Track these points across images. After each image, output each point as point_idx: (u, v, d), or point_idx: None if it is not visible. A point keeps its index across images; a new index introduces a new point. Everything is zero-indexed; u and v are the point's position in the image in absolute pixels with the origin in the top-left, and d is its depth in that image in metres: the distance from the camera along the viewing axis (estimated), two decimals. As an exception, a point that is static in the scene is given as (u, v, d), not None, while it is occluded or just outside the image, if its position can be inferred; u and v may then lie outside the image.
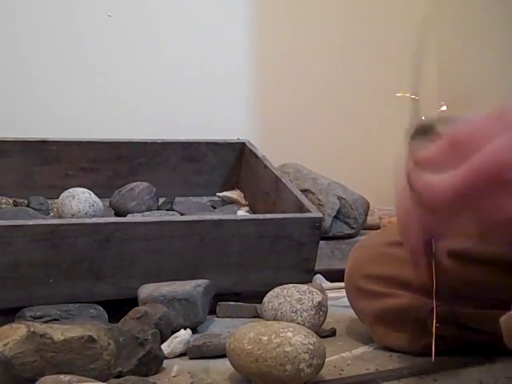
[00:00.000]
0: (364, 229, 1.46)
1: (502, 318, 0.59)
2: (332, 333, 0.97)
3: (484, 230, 0.49)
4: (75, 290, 1.00)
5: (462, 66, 1.90)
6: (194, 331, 0.96)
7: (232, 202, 1.47)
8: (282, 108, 1.84)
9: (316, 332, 0.79)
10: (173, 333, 0.91)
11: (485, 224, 0.48)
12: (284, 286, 0.96)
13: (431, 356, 0.83)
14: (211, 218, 1.11)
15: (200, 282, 1.01)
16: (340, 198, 1.41)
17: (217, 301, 1.07)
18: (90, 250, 1.00)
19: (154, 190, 1.36)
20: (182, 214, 1.29)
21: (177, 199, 1.40)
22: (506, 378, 0.76)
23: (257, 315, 1.06)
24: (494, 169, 0.46)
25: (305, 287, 0.95)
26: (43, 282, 0.98)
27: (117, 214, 1.32)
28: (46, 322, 0.91)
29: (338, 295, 1.16)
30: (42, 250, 0.97)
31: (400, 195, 0.64)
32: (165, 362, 0.83)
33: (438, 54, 1.99)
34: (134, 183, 1.36)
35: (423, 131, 0.54)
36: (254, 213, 1.40)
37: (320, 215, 1.14)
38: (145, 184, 1.36)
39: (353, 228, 1.41)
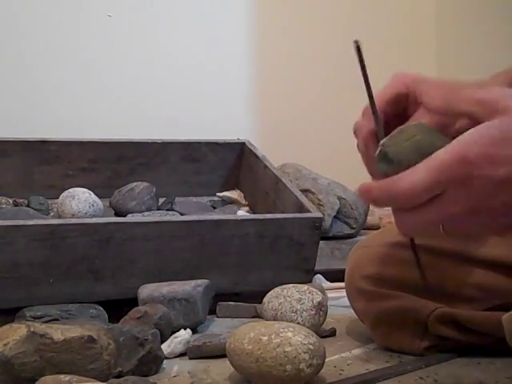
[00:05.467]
0: (364, 229, 1.46)
1: (505, 317, 0.59)
2: (332, 333, 0.97)
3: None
4: (75, 289, 1.00)
5: (461, 65, 1.90)
6: (194, 331, 0.96)
7: (232, 201, 1.47)
8: (282, 108, 1.84)
9: (316, 332, 0.79)
10: (173, 333, 0.91)
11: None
12: (284, 286, 0.96)
13: (431, 357, 0.83)
14: (211, 217, 1.11)
15: (200, 282, 1.01)
16: (340, 198, 1.41)
17: (217, 301, 1.07)
18: (90, 250, 1.00)
19: (154, 189, 1.36)
20: (182, 214, 1.29)
21: (177, 199, 1.40)
22: (507, 378, 0.76)
23: (257, 315, 1.06)
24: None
25: (305, 287, 0.95)
26: (43, 282, 0.98)
27: (117, 214, 1.32)
28: (46, 321, 0.91)
29: (338, 295, 1.16)
30: (42, 250, 0.97)
31: None
32: (165, 361, 0.83)
33: (437, 53, 1.99)
34: (134, 183, 1.36)
35: (383, 158, 0.52)
36: (254, 213, 1.40)
37: (320, 215, 1.14)
38: (145, 184, 1.36)
39: (353, 228, 1.41)
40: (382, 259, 0.87)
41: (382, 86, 0.63)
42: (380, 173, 0.51)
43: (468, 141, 0.46)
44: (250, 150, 1.47)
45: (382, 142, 0.52)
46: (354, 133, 0.61)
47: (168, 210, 1.35)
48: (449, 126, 0.57)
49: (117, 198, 1.34)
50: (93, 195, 1.26)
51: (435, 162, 0.46)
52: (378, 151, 0.52)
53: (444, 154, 0.46)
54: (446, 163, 0.45)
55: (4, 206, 1.29)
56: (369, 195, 0.49)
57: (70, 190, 1.26)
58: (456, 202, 0.46)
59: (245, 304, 1.09)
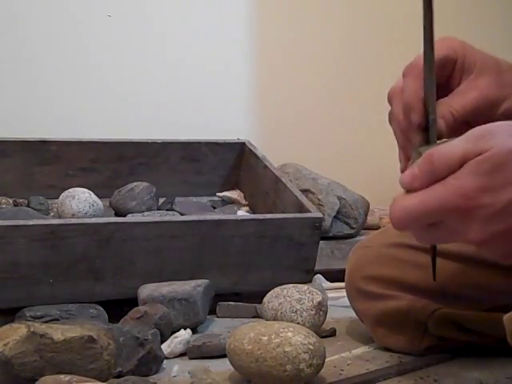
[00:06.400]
0: (364, 229, 1.46)
1: (506, 317, 0.59)
2: (332, 333, 0.97)
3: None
4: (75, 290, 1.00)
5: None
6: (194, 331, 0.96)
7: (232, 202, 1.47)
8: (281, 108, 1.84)
9: (316, 332, 0.79)
10: (173, 333, 0.91)
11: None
12: (284, 286, 0.97)
13: (431, 357, 0.83)
14: (211, 218, 1.11)
15: (200, 282, 1.01)
16: (340, 198, 1.41)
17: (217, 301, 1.07)
18: (90, 250, 1.00)
19: (154, 189, 1.36)
20: (182, 214, 1.29)
21: (177, 199, 1.40)
22: (507, 378, 0.76)
23: (257, 315, 1.06)
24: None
25: (305, 287, 0.95)
26: (43, 282, 0.98)
27: (117, 214, 1.32)
28: (46, 321, 0.91)
29: (337, 295, 1.16)
30: (41, 250, 0.97)
31: None
32: (165, 362, 0.83)
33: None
34: (134, 183, 1.36)
35: None
36: (254, 213, 1.40)
37: (320, 215, 1.14)
38: (145, 184, 1.36)
39: (353, 228, 1.41)
40: (383, 259, 0.87)
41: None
42: None
43: (461, 173, 0.44)
44: (250, 150, 1.47)
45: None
46: (389, 99, 0.58)
47: (168, 209, 1.35)
48: (496, 105, 0.57)
49: (117, 198, 1.34)
50: (93, 195, 1.26)
51: (431, 192, 0.45)
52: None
53: (440, 186, 0.45)
54: (441, 195, 0.44)
55: (4, 206, 1.29)
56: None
57: (70, 189, 1.26)
58: (456, 233, 0.46)
59: (245, 304, 1.09)
